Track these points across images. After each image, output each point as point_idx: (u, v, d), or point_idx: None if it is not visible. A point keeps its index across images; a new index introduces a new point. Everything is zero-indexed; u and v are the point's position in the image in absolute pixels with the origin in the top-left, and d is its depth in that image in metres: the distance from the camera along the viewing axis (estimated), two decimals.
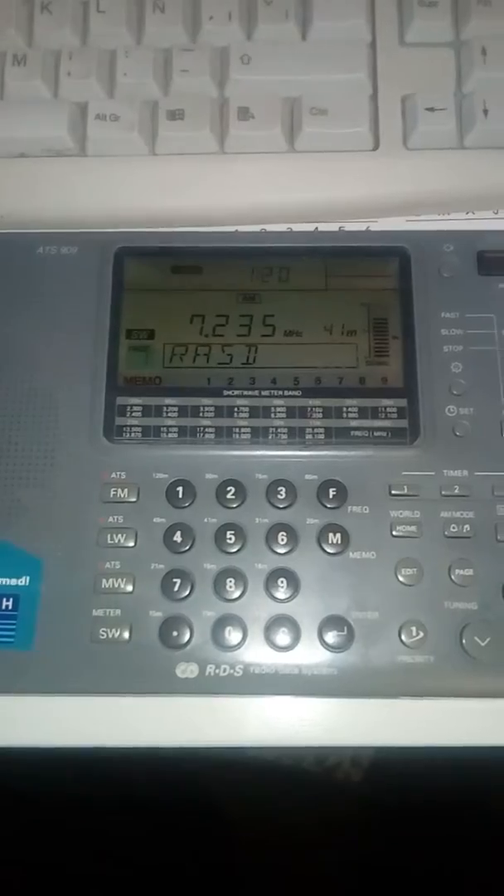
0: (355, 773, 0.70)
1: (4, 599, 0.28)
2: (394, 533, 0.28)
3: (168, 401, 0.30)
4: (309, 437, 0.30)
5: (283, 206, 0.36)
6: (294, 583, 0.28)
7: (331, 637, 0.27)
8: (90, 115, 0.36)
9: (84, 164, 0.37)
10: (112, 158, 0.36)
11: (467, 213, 0.36)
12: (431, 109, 0.36)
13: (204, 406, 0.30)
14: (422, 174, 0.36)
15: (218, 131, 0.36)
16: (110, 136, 0.36)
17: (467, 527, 0.28)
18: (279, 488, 0.29)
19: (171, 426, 0.30)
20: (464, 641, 0.27)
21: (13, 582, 0.28)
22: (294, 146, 0.36)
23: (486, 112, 0.35)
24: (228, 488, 0.29)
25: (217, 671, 0.27)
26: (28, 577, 0.28)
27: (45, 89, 0.37)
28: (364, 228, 0.35)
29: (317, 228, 0.36)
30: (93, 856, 0.61)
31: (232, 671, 0.27)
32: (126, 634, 0.28)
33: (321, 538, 0.29)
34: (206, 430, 0.30)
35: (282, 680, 0.27)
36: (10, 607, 0.28)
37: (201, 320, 0.32)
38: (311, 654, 0.27)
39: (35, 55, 0.37)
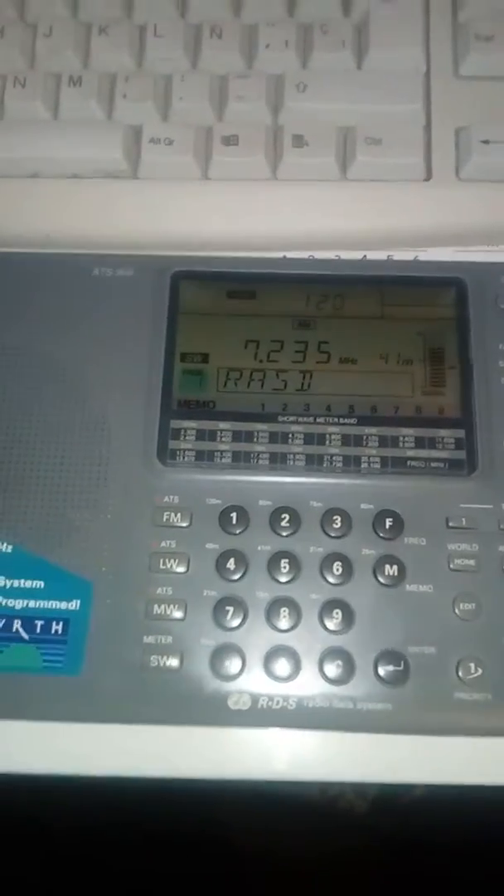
0: (360, 804, 0.69)
1: (54, 623, 0.27)
2: (451, 566, 0.28)
3: (222, 425, 0.30)
4: (364, 465, 0.29)
5: (332, 234, 0.36)
6: (349, 615, 0.28)
7: (386, 671, 0.27)
8: (144, 137, 0.36)
9: (136, 186, 0.37)
10: (164, 181, 0.37)
11: None
12: (486, 142, 0.36)
13: (258, 431, 0.30)
14: (473, 205, 0.36)
15: (272, 158, 0.36)
16: (164, 160, 0.36)
17: None
18: (334, 517, 0.29)
19: (224, 451, 0.30)
20: None
21: (63, 605, 0.28)
22: (347, 175, 0.36)
23: None
24: (283, 516, 0.29)
25: (270, 703, 0.27)
26: (78, 601, 0.28)
27: (99, 111, 0.37)
28: (412, 258, 0.35)
29: (364, 256, 0.35)
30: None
31: (285, 704, 0.27)
32: (176, 662, 0.27)
33: (377, 569, 0.28)
34: (261, 455, 0.30)
35: (336, 714, 0.27)
36: (59, 631, 0.27)
37: (255, 345, 0.31)
38: (365, 689, 0.27)
39: (91, 77, 0.37)
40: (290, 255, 0.35)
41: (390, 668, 0.27)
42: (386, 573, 0.28)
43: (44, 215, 0.36)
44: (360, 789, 0.72)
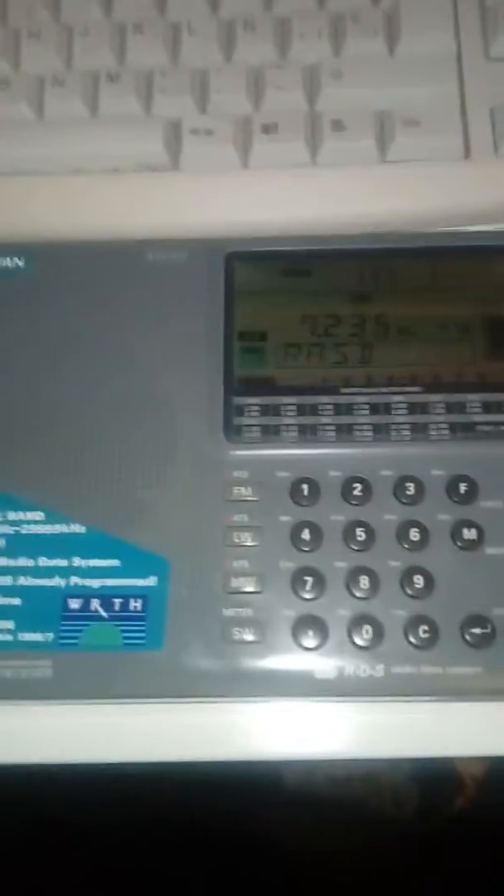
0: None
1: (133, 600, 0.27)
2: None
3: (286, 399, 0.30)
4: (433, 432, 0.29)
5: (375, 216, 0.36)
6: (430, 580, 0.27)
7: (473, 635, 0.26)
8: (184, 129, 0.37)
9: (178, 178, 0.37)
10: (206, 172, 0.37)
11: None
12: None
13: (322, 404, 0.30)
14: None
15: (311, 144, 0.37)
16: (204, 151, 0.37)
17: None
18: (407, 484, 0.28)
19: (290, 425, 0.30)
20: None
21: (141, 583, 0.27)
22: (386, 157, 0.37)
23: None
24: (354, 485, 0.28)
25: (356, 672, 0.26)
26: (155, 578, 0.27)
27: (138, 106, 0.38)
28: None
29: None
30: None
31: (372, 672, 0.26)
32: (259, 635, 0.27)
33: (455, 534, 0.28)
34: (326, 427, 0.29)
35: (425, 679, 0.26)
36: (138, 608, 0.27)
37: (312, 321, 0.31)
38: (453, 653, 0.26)
39: (128, 73, 0.38)
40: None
41: (477, 630, 0.26)
42: (464, 537, 0.28)
43: (89, 210, 0.36)
44: (398, 800, 0.71)
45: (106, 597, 0.27)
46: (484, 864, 0.62)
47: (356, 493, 0.28)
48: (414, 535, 0.28)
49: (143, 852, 0.58)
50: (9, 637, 0.27)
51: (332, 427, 0.30)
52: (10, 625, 0.27)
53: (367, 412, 0.30)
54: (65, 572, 0.27)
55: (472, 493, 0.28)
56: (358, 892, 0.63)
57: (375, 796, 0.71)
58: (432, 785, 0.70)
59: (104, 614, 0.27)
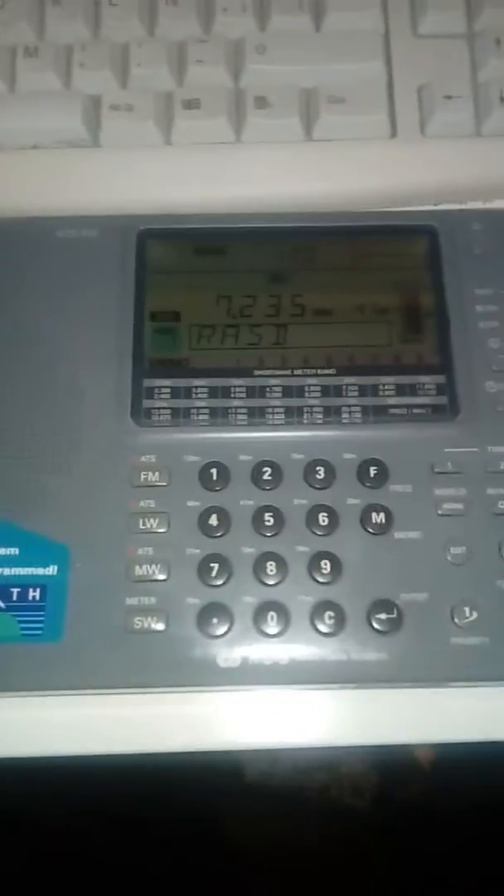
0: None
1: (31, 590, 0.26)
2: (439, 511, 0.27)
3: (197, 382, 0.29)
4: (346, 415, 0.29)
5: (300, 195, 0.35)
6: (337, 565, 0.27)
7: (379, 620, 0.26)
8: (104, 105, 0.36)
9: (98, 154, 0.36)
10: (127, 149, 0.36)
11: (485, 202, 0.36)
12: (448, 97, 0.36)
13: (235, 387, 0.29)
14: (440, 162, 0.36)
15: (234, 121, 0.36)
16: (125, 127, 0.36)
17: None
18: (317, 468, 0.28)
19: (201, 407, 0.29)
20: None
21: (40, 571, 0.26)
22: (311, 135, 0.36)
23: (502, 100, 0.35)
24: (264, 469, 0.28)
25: (261, 660, 0.26)
26: (56, 567, 0.26)
27: (57, 81, 0.36)
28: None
29: None
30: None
31: (277, 660, 0.26)
32: (162, 624, 0.26)
33: (364, 519, 0.27)
34: (238, 410, 0.29)
35: (330, 667, 0.26)
36: (37, 598, 0.26)
37: (228, 301, 0.31)
38: (359, 639, 0.26)
39: (47, 47, 0.36)
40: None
41: (383, 616, 0.26)
42: (373, 521, 0.27)
43: (4, 187, 0.35)
44: (357, 786, 0.71)
45: (3, 586, 0.26)
46: (443, 847, 0.62)
47: (266, 477, 0.28)
48: (323, 519, 0.27)
49: (85, 843, 0.57)
50: None
51: (244, 410, 0.29)
52: None
53: (279, 395, 0.29)
54: None
55: (383, 476, 0.28)
56: (320, 882, 0.63)
57: (335, 785, 0.71)
58: (390, 770, 0.70)
59: (1, 604, 0.26)
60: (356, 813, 0.69)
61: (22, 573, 0.26)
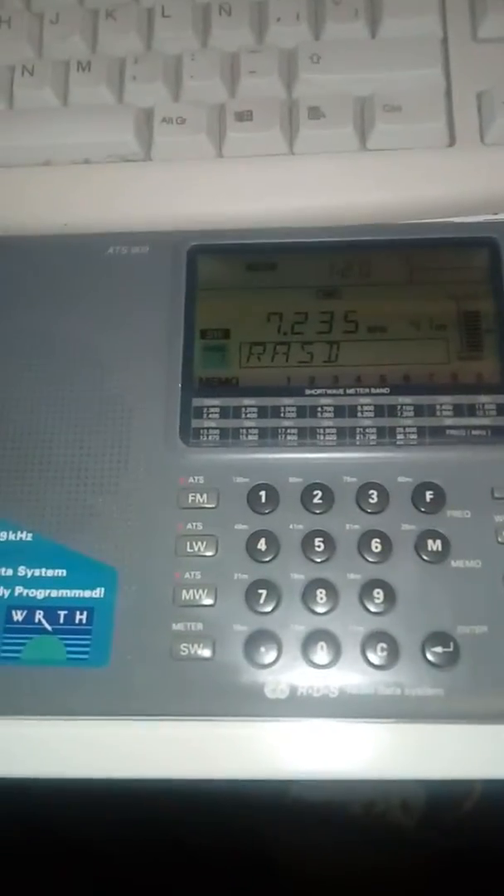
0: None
1: (78, 613, 0.26)
2: (500, 539, 0.26)
3: (247, 401, 0.29)
4: (400, 437, 0.28)
5: (355, 207, 0.34)
6: (391, 595, 0.26)
7: (435, 654, 0.25)
8: (156, 118, 0.35)
9: (150, 168, 0.36)
10: (179, 162, 0.35)
11: None
12: None
13: (285, 406, 0.28)
14: (500, 170, 0.34)
15: (287, 132, 0.35)
16: (177, 140, 0.35)
17: None
18: (370, 492, 0.27)
19: (250, 427, 0.28)
20: None
21: (87, 594, 0.26)
22: (366, 145, 0.35)
23: None
24: (315, 492, 0.27)
25: (310, 692, 0.25)
26: (103, 589, 0.26)
27: (109, 95, 0.36)
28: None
29: None
30: None
31: (326, 692, 0.25)
32: (208, 651, 0.25)
33: (419, 546, 0.26)
34: (289, 431, 0.28)
35: (382, 701, 0.25)
36: (83, 621, 0.26)
37: (279, 318, 0.30)
38: (413, 673, 0.25)
39: (100, 61, 0.36)
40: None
41: (439, 649, 0.25)
42: (429, 549, 0.26)
43: (58, 202, 0.35)
44: (406, 805, 0.69)
45: (50, 608, 0.26)
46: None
47: (316, 500, 0.27)
48: (376, 546, 0.26)
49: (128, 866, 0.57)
50: None
51: (294, 430, 0.28)
52: None
53: (331, 414, 0.28)
54: (9, 582, 0.26)
55: (439, 501, 0.27)
56: None
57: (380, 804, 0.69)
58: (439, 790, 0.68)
59: (48, 627, 0.26)
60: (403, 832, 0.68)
61: (69, 595, 0.26)
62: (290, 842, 0.63)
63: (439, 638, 0.25)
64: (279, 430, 0.28)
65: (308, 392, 0.29)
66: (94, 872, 0.56)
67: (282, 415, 0.28)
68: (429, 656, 0.25)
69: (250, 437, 0.28)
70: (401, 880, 0.62)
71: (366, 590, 0.26)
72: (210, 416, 0.28)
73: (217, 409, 0.28)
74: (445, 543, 0.26)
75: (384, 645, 0.25)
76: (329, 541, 0.26)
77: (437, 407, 0.28)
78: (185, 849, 0.57)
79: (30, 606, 0.26)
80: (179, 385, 0.29)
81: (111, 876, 0.56)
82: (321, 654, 0.25)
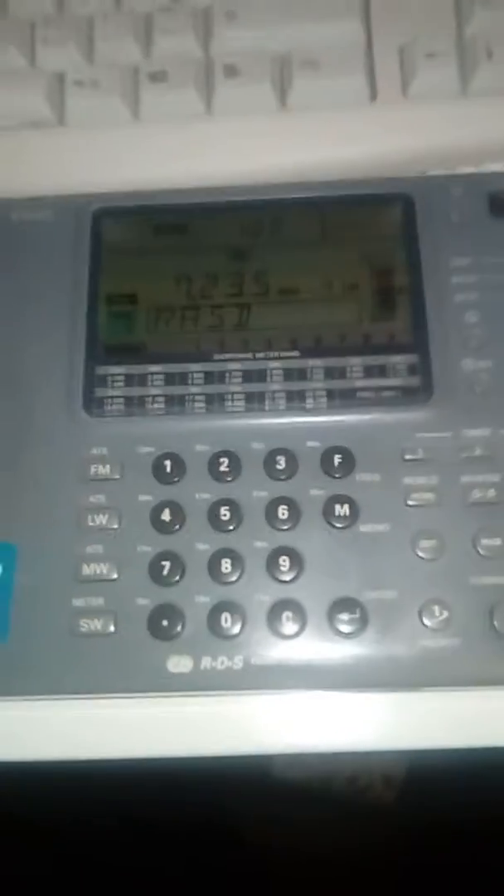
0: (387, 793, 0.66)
1: None
2: (409, 502, 0.25)
3: (153, 368, 0.28)
4: (310, 400, 0.27)
5: (275, 168, 0.33)
6: (298, 562, 0.25)
7: (342, 621, 0.24)
8: (68, 82, 0.34)
9: (63, 134, 0.34)
10: (92, 127, 0.34)
11: (476, 167, 0.33)
12: (431, 55, 0.33)
13: (193, 372, 0.27)
14: (424, 125, 0.33)
15: (204, 91, 0.34)
16: (90, 104, 0.34)
17: (493, 492, 0.25)
18: (278, 458, 0.26)
19: (156, 395, 0.27)
20: (495, 622, 0.24)
21: None
22: (286, 103, 0.34)
23: (490, 54, 0.33)
24: (221, 460, 0.26)
25: (214, 664, 0.24)
26: (1, 566, 0.25)
27: (20, 59, 0.35)
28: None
29: None
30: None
31: (230, 664, 0.24)
32: (111, 626, 0.24)
33: (327, 511, 0.25)
34: (196, 398, 0.27)
35: (288, 672, 0.24)
36: None
37: (188, 281, 0.29)
38: (320, 642, 0.24)
39: (9, 24, 0.35)
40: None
41: (345, 616, 0.24)
42: (336, 514, 0.25)
43: None
44: (387, 777, 0.69)
45: None
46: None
47: (223, 468, 0.26)
48: (283, 513, 0.25)
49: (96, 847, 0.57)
50: None
51: (202, 397, 0.27)
52: None
53: (240, 380, 0.27)
54: None
55: (348, 465, 0.26)
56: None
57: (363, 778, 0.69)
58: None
59: None
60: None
61: None
62: (260, 815, 0.63)
63: (346, 604, 0.24)
64: (186, 398, 0.27)
65: (217, 357, 0.28)
66: (53, 851, 0.56)
67: (189, 381, 0.27)
68: (336, 623, 0.24)
69: (156, 406, 0.27)
70: (377, 854, 0.62)
71: (272, 558, 0.25)
72: (115, 384, 0.27)
73: (122, 378, 0.28)
74: (354, 508, 0.25)
75: (290, 613, 0.24)
76: (236, 509, 0.25)
77: (348, 369, 0.27)
78: (141, 824, 0.56)
79: None
80: (83, 353, 0.28)
81: (70, 853, 0.56)
82: (226, 625, 0.24)
